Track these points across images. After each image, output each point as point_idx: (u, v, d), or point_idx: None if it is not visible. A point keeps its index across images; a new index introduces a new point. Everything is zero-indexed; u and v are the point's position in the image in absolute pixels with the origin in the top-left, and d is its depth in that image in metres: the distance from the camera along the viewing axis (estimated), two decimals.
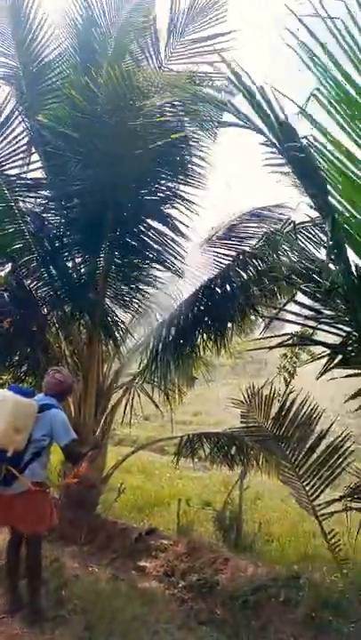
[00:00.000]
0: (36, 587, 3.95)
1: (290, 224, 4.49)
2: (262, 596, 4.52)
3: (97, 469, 6.39)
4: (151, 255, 5.71)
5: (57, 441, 3.84)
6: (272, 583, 4.64)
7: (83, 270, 6.15)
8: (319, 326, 3.15)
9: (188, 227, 5.61)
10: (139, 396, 7.23)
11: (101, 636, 3.66)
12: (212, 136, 5.20)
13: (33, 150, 5.71)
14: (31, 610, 3.91)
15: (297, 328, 3.96)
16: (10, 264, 5.97)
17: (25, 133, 5.45)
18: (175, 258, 5.81)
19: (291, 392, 5.15)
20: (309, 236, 4.54)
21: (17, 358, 6.76)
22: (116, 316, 6.34)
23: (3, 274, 6.19)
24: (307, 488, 4.54)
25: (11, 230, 5.75)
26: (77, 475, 4.00)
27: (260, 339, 5.80)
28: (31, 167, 5.74)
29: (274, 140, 2.31)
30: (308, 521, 7.43)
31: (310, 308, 3.11)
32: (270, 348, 3.45)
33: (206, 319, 5.85)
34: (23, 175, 5.64)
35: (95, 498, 6.47)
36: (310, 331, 4.28)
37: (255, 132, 2.34)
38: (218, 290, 5.40)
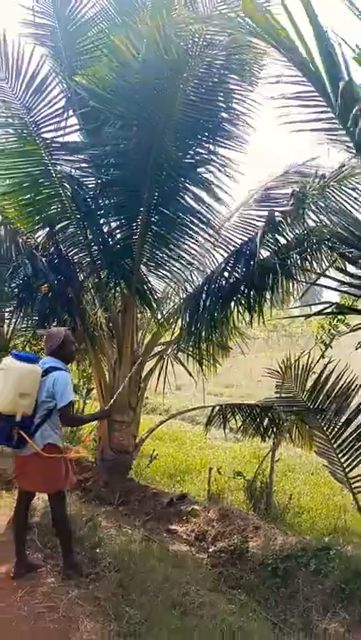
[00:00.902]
0: (65, 543, 4.05)
1: (329, 179, 4.22)
2: (292, 564, 4.53)
3: (130, 436, 6.48)
4: (188, 220, 5.59)
5: (57, 403, 3.84)
6: (302, 553, 4.62)
7: (119, 236, 6.12)
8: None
9: (225, 190, 5.47)
10: (172, 365, 7.25)
11: (134, 593, 3.73)
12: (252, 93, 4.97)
13: (70, 113, 5.64)
14: (66, 565, 4.02)
15: (336, 297, 3.84)
16: (47, 229, 5.97)
17: (62, 95, 5.37)
18: (212, 223, 5.69)
19: (329, 363, 5.04)
20: (355, 196, 4.35)
21: (54, 325, 6.84)
22: (152, 283, 6.29)
23: (40, 239, 6.21)
24: (342, 460, 4.49)
25: (48, 194, 5.75)
26: (84, 442, 4.09)
27: (298, 307, 5.75)
28: (68, 130, 5.66)
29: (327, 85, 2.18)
30: (340, 494, 7.44)
31: (352, 275, 3.02)
32: (307, 316, 3.37)
33: (242, 287, 5.74)
34: (60, 139, 5.57)
35: (128, 462, 6.59)
36: (350, 300, 4.18)
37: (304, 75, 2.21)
38: (254, 256, 5.20)
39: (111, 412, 4.37)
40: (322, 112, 2.48)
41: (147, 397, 7.86)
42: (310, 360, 5.41)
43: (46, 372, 3.85)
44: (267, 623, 3.72)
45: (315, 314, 3.43)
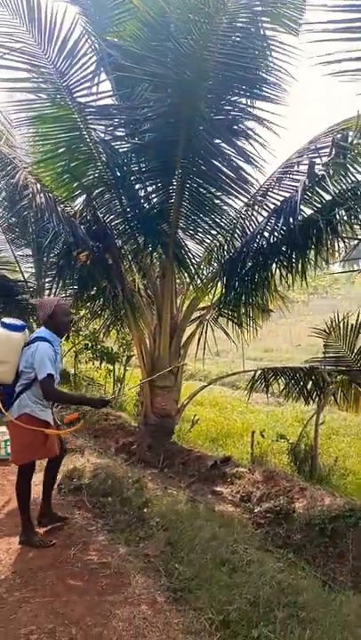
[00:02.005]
0: (21, 517, 4.05)
1: None
2: (340, 524, 4.50)
3: (172, 400, 6.53)
4: (226, 181, 5.44)
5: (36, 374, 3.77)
6: (350, 513, 4.59)
7: (155, 200, 6.04)
8: None
9: (265, 146, 5.26)
10: (212, 330, 7.21)
11: (183, 551, 3.79)
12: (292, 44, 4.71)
13: (103, 77, 5.51)
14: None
15: None
16: (84, 196, 5.93)
17: (94, 57, 5.22)
18: (251, 182, 5.53)
19: None
20: None
21: (93, 292, 6.88)
22: (189, 247, 6.21)
23: (78, 206, 6.19)
24: None
25: (83, 160, 5.69)
26: (70, 420, 4.01)
27: (344, 262, 5.51)
28: (101, 95, 5.54)
29: None
30: None
31: None
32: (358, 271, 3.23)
33: (284, 248, 5.60)
34: (93, 103, 5.47)
35: (171, 427, 6.67)
36: None
37: None
38: (296, 213, 5.02)
39: (106, 404, 4.10)
40: None
41: (186, 363, 7.88)
42: (359, 319, 5.26)
43: (32, 342, 3.83)
44: (316, 581, 3.72)
45: None
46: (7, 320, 3.92)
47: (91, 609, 3.18)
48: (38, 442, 3.86)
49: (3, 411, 3.84)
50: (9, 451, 6.23)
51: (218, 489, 5.57)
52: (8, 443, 6.25)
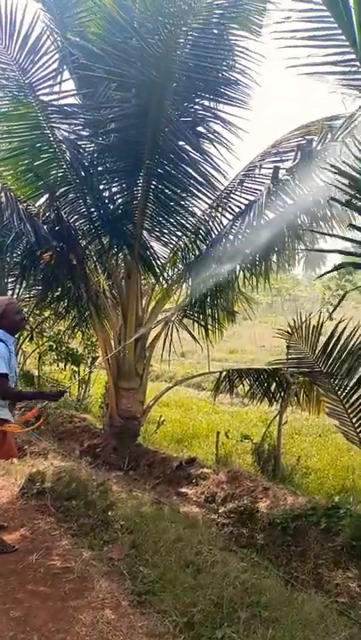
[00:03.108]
0: None
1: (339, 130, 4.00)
2: (302, 523, 4.57)
3: (137, 402, 6.52)
4: (190, 183, 5.45)
5: None
6: (312, 512, 4.66)
7: (120, 200, 6.01)
8: None
9: (230, 150, 5.30)
10: (177, 331, 7.22)
11: (147, 553, 3.79)
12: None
13: (66, 76, 5.45)
14: None
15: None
16: (47, 195, 5.86)
17: (57, 55, 5.17)
18: (216, 185, 5.56)
19: (340, 322, 4.98)
20: None
21: (57, 293, 6.80)
22: (154, 248, 6.20)
23: (41, 206, 6.10)
24: (353, 420, 4.49)
25: (47, 159, 5.62)
26: (24, 420, 4.02)
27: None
28: (65, 93, 5.49)
29: None
30: (347, 455, 7.50)
31: None
32: (321, 275, 3.29)
33: (247, 250, 5.65)
34: (56, 102, 5.41)
35: (136, 428, 6.64)
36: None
37: None
38: (260, 217, 5.10)
39: (62, 394, 4.01)
40: (340, 53, 2.34)
41: (151, 365, 7.86)
42: (320, 320, 5.35)
43: None
44: (279, 580, 3.78)
45: (329, 271, 3.35)
46: None
47: (53, 615, 3.14)
48: (1, 442, 3.82)
49: None
50: None
51: (183, 490, 5.58)
52: None
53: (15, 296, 8.11)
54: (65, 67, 5.26)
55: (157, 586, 3.42)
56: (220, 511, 5.04)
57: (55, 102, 5.39)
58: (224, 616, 3.11)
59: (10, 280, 9.52)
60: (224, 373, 7.07)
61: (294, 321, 5.62)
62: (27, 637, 2.91)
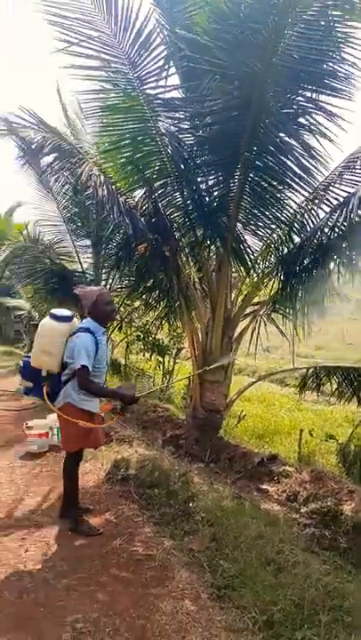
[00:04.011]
0: (66, 497, 4.22)
1: None
2: None
3: (221, 395, 6.51)
4: (288, 175, 5.32)
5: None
6: None
7: (215, 193, 6.00)
8: None
9: (333, 141, 5.11)
10: (265, 325, 7.13)
11: (227, 548, 3.79)
12: None
13: (172, 70, 5.49)
14: (61, 510, 4.27)
15: None
16: (146, 187, 5.95)
17: (164, 50, 5.20)
18: (315, 177, 5.40)
19: None
20: None
21: (149, 284, 6.93)
22: (248, 241, 6.13)
23: (138, 198, 6.21)
24: None
25: (148, 152, 5.72)
26: (103, 410, 3.99)
27: None
28: (170, 87, 5.52)
29: None
30: None
31: None
32: None
33: (343, 245, 5.46)
34: (161, 95, 5.46)
35: (219, 421, 6.66)
36: None
37: None
38: (358, 210, 4.89)
39: (135, 401, 3.94)
40: None
41: (235, 358, 7.83)
42: None
43: (75, 333, 3.86)
44: None
45: None
46: (55, 311, 4.03)
47: (135, 601, 3.22)
48: (82, 431, 3.89)
49: (46, 401, 3.95)
50: (60, 428, 6.40)
51: (264, 487, 5.53)
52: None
53: (108, 286, 8.39)
54: (171, 61, 5.29)
55: (237, 581, 3.41)
56: (301, 511, 4.95)
57: (160, 95, 5.44)
58: (305, 618, 3.05)
59: (103, 271, 9.89)
60: (311, 370, 6.93)
61: None
62: (109, 621, 3.00)
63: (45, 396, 3.96)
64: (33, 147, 6.22)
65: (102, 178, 5.26)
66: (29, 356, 4.05)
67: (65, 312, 4.05)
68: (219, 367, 6.38)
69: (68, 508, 4.18)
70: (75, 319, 4.04)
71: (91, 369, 3.73)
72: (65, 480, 4.17)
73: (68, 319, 3.97)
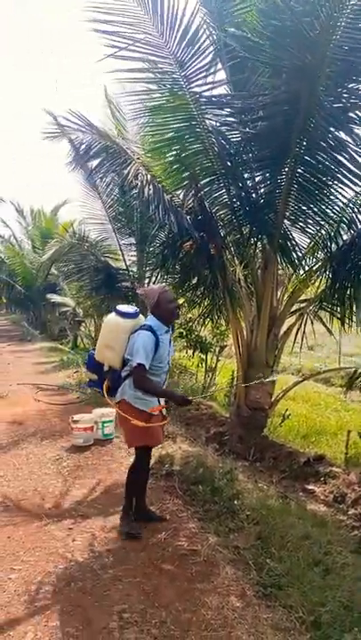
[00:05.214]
0: (126, 494, 4.15)
1: None
2: None
3: (266, 394, 6.46)
4: (338, 170, 5.20)
5: None
6: None
7: (262, 190, 5.93)
8: None
9: None
10: (312, 323, 7.03)
11: (273, 547, 3.77)
12: None
13: (219, 67, 5.45)
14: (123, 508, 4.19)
15: None
16: (192, 185, 5.96)
17: (211, 47, 5.18)
18: None
19: None
20: None
21: (194, 282, 6.93)
22: (295, 239, 6.05)
23: (184, 196, 6.23)
24: None
25: (194, 150, 5.71)
26: (153, 411, 3.90)
27: None
28: (217, 83, 5.48)
29: None
30: None
31: None
32: None
33: None
34: (208, 92, 5.45)
35: (263, 420, 6.60)
36: None
37: None
38: None
39: (188, 403, 3.87)
40: None
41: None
42: None
43: (137, 330, 3.82)
44: None
45: None
46: (121, 307, 4.02)
47: (180, 594, 3.25)
48: (140, 428, 3.83)
49: (105, 395, 4.00)
50: (106, 432, 6.52)
51: (310, 487, 5.45)
52: (106, 424, 6.52)
53: (151, 284, 8.44)
54: (218, 58, 5.25)
55: (284, 580, 3.39)
56: (349, 513, 4.87)
57: (207, 93, 5.40)
58: (354, 620, 3.01)
59: (147, 268, 9.98)
60: (360, 370, 6.78)
61: None
62: (156, 613, 3.04)
63: (105, 391, 4.00)
64: (81, 148, 6.37)
65: (148, 176, 5.30)
66: (95, 349, 4.11)
67: (130, 308, 4.03)
68: (263, 365, 6.33)
69: (125, 509, 4.16)
70: (140, 316, 4.01)
71: (148, 367, 3.70)
72: (127, 476, 4.16)
73: (132, 315, 3.95)
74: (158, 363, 3.81)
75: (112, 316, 3.98)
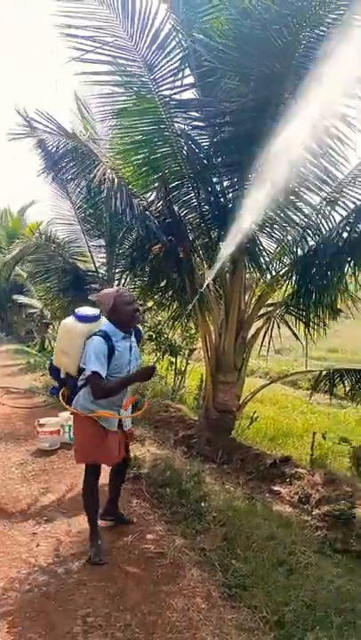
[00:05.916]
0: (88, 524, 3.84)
1: None
2: None
3: (234, 396, 6.51)
4: (305, 178, 5.30)
5: None
6: None
7: (230, 195, 6.00)
8: None
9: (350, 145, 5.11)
10: (278, 327, 7.12)
11: (239, 548, 3.80)
12: None
13: (187, 72, 5.48)
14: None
15: None
16: (160, 189, 5.97)
17: (180, 52, 5.21)
18: (331, 179, 5.39)
19: None
20: None
21: (162, 284, 6.94)
22: (262, 243, 6.13)
23: (153, 199, 6.24)
24: None
25: (163, 153, 5.73)
26: (127, 406, 3.71)
27: None
28: (184, 88, 5.52)
29: None
30: None
31: None
32: None
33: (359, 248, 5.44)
34: (177, 96, 5.47)
35: (231, 422, 6.65)
36: None
37: None
38: None
39: (152, 371, 3.58)
40: None
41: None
42: None
43: (91, 336, 3.53)
44: None
45: None
46: (80, 310, 3.71)
47: (146, 597, 3.24)
48: (93, 443, 3.62)
49: (64, 405, 3.76)
50: (72, 435, 6.45)
51: (276, 488, 5.52)
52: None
53: (121, 285, 8.41)
54: (187, 63, 5.28)
55: (248, 581, 3.42)
56: (313, 513, 4.94)
57: (175, 97, 5.42)
58: (316, 619, 3.07)
59: (117, 270, 9.94)
60: (325, 372, 6.91)
61: None
62: (120, 616, 3.03)
63: (61, 398, 3.77)
64: (49, 148, 6.31)
65: (116, 180, 5.28)
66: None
67: (90, 311, 3.70)
68: (231, 368, 6.39)
69: (91, 530, 3.81)
70: (102, 319, 3.67)
71: (105, 376, 3.43)
72: (83, 496, 3.82)
73: (90, 319, 3.63)
74: (116, 372, 3.53)
75: (69, 319, 3.71)
